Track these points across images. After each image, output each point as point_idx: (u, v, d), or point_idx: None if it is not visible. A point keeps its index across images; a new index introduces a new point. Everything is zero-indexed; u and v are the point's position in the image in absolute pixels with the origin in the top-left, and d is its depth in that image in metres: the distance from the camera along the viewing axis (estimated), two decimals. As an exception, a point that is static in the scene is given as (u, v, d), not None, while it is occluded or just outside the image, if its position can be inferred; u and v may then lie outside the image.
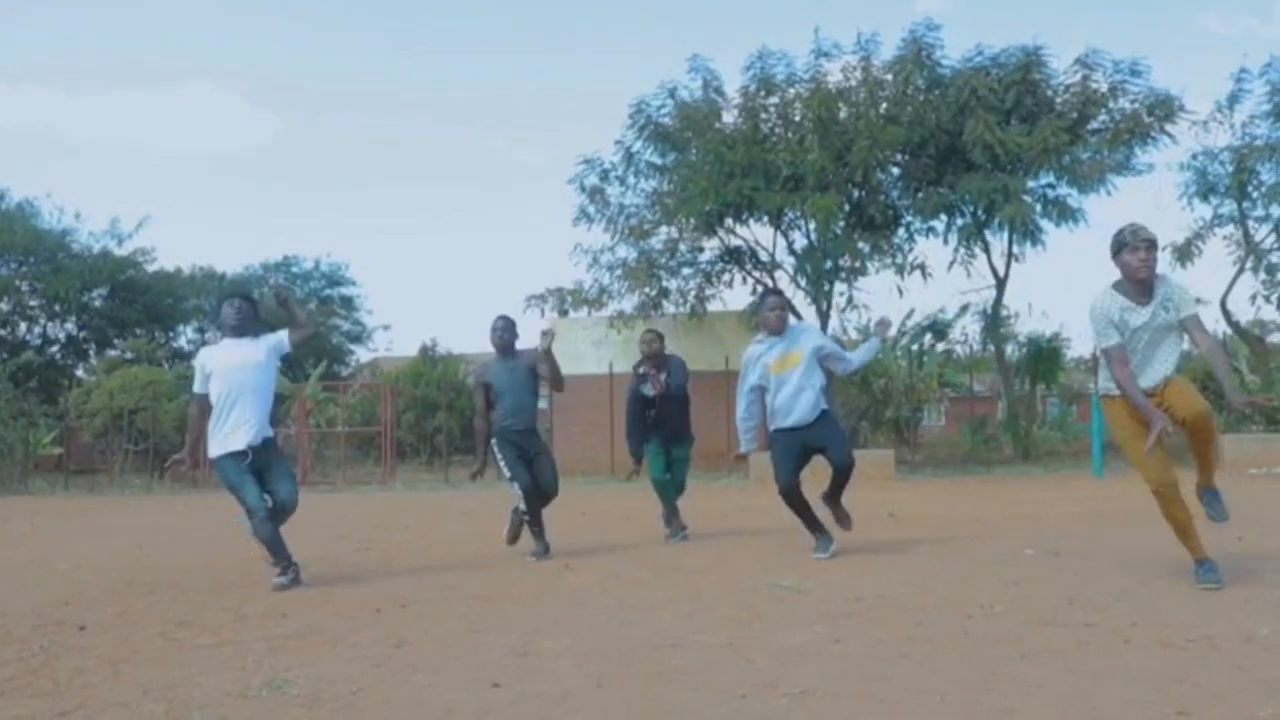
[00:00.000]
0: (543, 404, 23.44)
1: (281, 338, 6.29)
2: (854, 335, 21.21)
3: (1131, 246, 5.13)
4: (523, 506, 7.22)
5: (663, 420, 8.14)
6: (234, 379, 6.11)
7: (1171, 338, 5.26)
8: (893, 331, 22.52)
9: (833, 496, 6.94)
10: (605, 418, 16.40)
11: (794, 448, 6.75)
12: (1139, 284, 5.16)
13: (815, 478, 6.74)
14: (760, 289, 18.60)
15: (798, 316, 18.31)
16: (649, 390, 8.13)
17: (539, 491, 7.25)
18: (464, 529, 7.18)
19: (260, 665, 4.12)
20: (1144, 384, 5.19)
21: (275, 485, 6.18)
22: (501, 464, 7.24)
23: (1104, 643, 4.06)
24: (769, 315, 6.87)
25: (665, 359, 8.23)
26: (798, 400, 6.72)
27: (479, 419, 7.40)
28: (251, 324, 6.32)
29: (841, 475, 6.81)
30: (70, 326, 29.04)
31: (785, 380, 6.75)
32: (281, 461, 6.34)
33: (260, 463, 6.14)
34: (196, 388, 6.27)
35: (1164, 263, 17.69)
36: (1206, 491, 5.52)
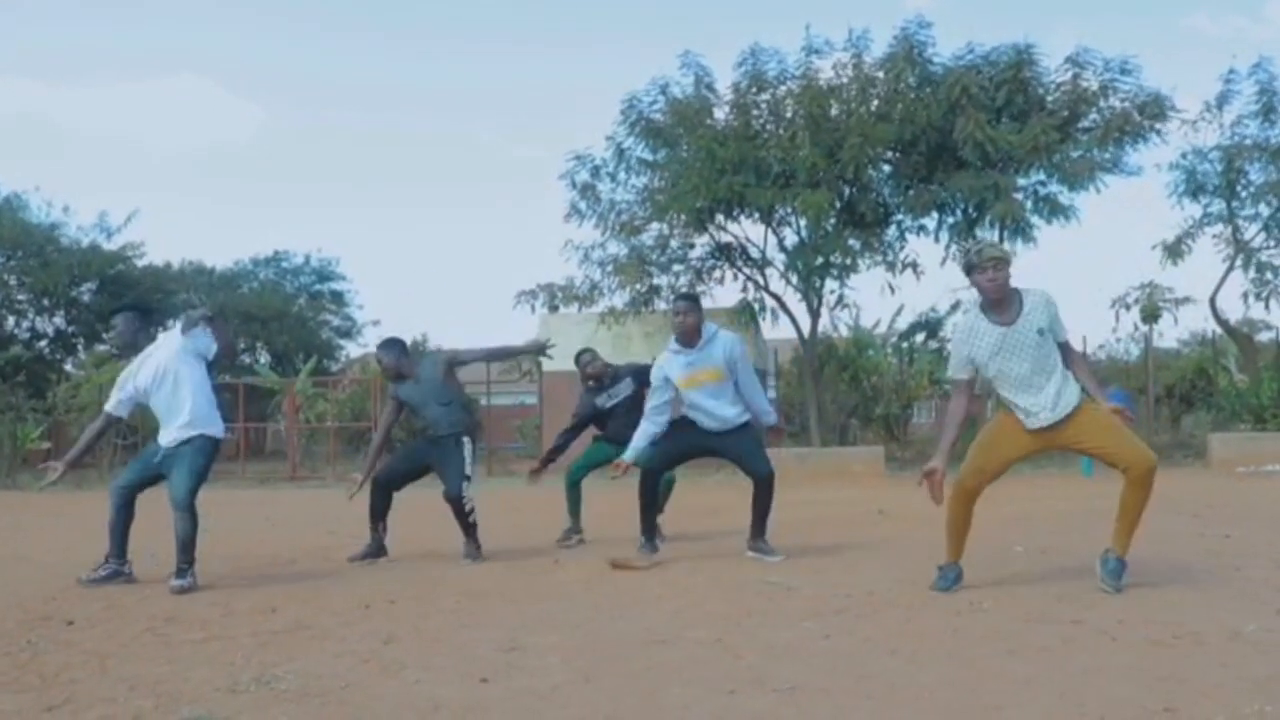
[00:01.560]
0: (531, 399, 23.10)
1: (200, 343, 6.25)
2: (844, 333, 21.27)
3: (979, 268, 5.02)
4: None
5: (621, 422, 7.83)
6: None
7: (1052, 361, 5.08)
8: (878, 325, 22.57)
9: (757, 525, 6.61)
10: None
11: (689, 441, 6.60)
12: (996, 304, 5.06)
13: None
14: (748, 286, 18.57)
15: (784, 310, 18.32)
16: (604, 401, 8.00)
17: (386, 484, 7.14)
18: (453, 525, 7.16)
19: (249, 660, 4.12)
20: (1037, 411, 5.07)
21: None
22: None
23: (1091, 640, 4.08)
24: (681, 321, 6.58)
25: (615, 373, 8.11)
26: (711, 407, 6.54)
27: (378, 433, 7.40)
28: (142, 336, 6.37)
29: (762, 489, 6.55)
30: (59, 321, 28.85)
31: (702, 393, 6.53)
32: (185, 459, 6.10)
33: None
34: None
35: (1153, 263, 17.79)
36: (1115, 559, 5.09)
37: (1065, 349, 5.16)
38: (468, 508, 7.02)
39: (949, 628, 4.39)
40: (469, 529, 7.06)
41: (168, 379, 6.12)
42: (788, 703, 3.33)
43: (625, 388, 8.03)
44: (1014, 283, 5.09)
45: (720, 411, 6.55)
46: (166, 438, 6.17)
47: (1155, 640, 4.02)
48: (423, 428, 7.20)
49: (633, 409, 7.83)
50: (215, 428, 6.23)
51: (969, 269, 5.09)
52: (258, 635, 4.63)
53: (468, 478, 7.05)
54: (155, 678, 3.86)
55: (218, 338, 6.24)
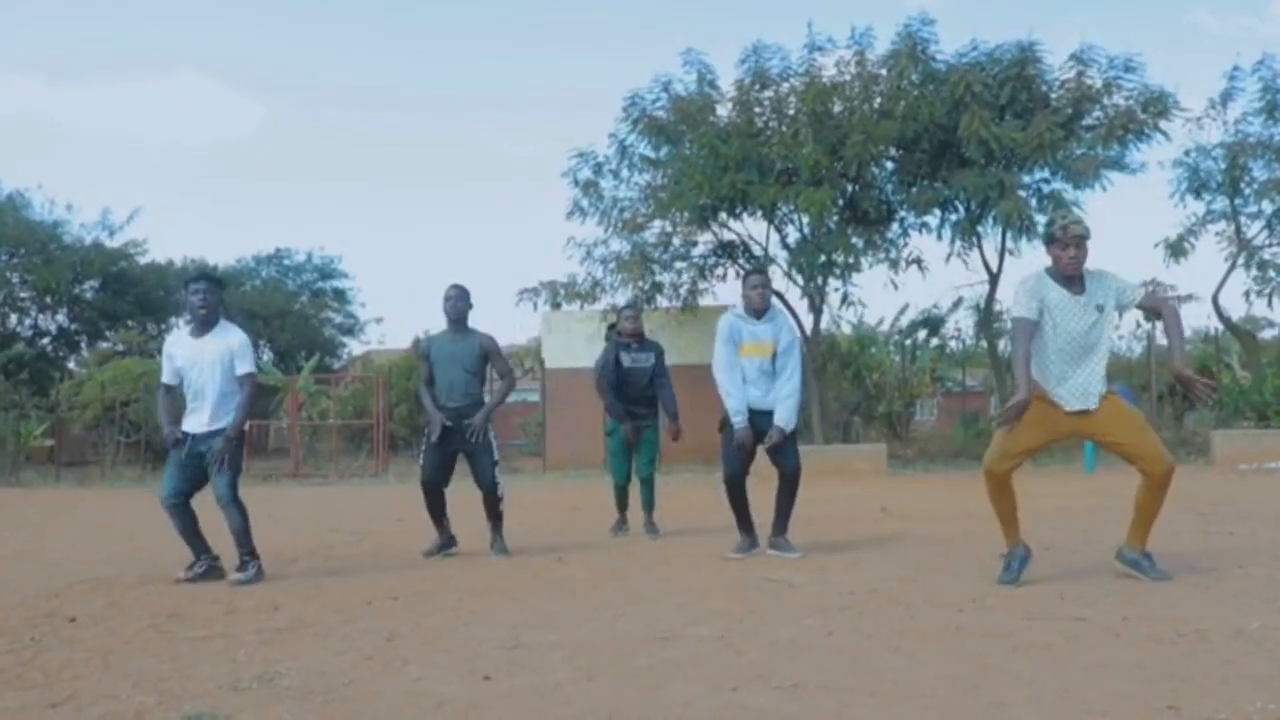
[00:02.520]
0: (534, 397, 22.96)
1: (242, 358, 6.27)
2: (847, 330, 21.26)
3: (1061, 243, 5.09)
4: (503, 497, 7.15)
5: (633, 392, 8.04)
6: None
7: (1101, 345, 5.20)
8: (880, 322, 22.56)
9: (779, 521, 6.67)
10: (598, 411, 16.30)
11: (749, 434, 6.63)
12: (1068, 279, 5.14)
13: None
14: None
15: (787, 308, 18.34)
16: (626, 360, 8.03)
17: (434, 485, 7.06)
18: (456, 522, 7.17)
19: (252, 657, 4.12)
20: (1068, 398, 5.18)
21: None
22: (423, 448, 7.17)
23: (1094, 637, 4.08)
24: (752, 294, 6.70)
25: (645, 340, 8.18)
26: (764, 385, 6.62)
27: (423, 391, 7.18)
28: (217, 312, 6.31)
29: (788, 483, 6.63)
30: (61, 318, 28.93)
31: (754, 364, 6.63)
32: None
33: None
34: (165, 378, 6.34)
35: (1155, 261, 17.80)
36: (1143, 554, 5.30)
37: (1155, 298, 5.26)
38: (500, 493, 7.09)
39: (952, 625, 4.39)
40: (497, 518, 7.11)
41: (218, 365, 6.15)
42: (790, 700, 3.32)
43: (647, 359, 8.10)
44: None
45: (765, 383, 6.63)
46: (194, 424, 6.17)
47: (1158, 638, 4.02)
48: (434, 396, 7.10)
49: (647, 382, 8.05)
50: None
51: (1050, 240, 5.16)
52: (260, 632, 4.63)
53: (497, 462, 7.10)
54: (158, 675, 3.86)
55: None
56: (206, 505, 6.19)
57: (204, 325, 6.24)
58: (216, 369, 6.15)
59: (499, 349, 7.25)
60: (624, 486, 8.21)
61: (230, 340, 6.23)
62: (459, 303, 7.10)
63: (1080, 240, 5.08)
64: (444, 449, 7.07)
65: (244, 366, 6.23)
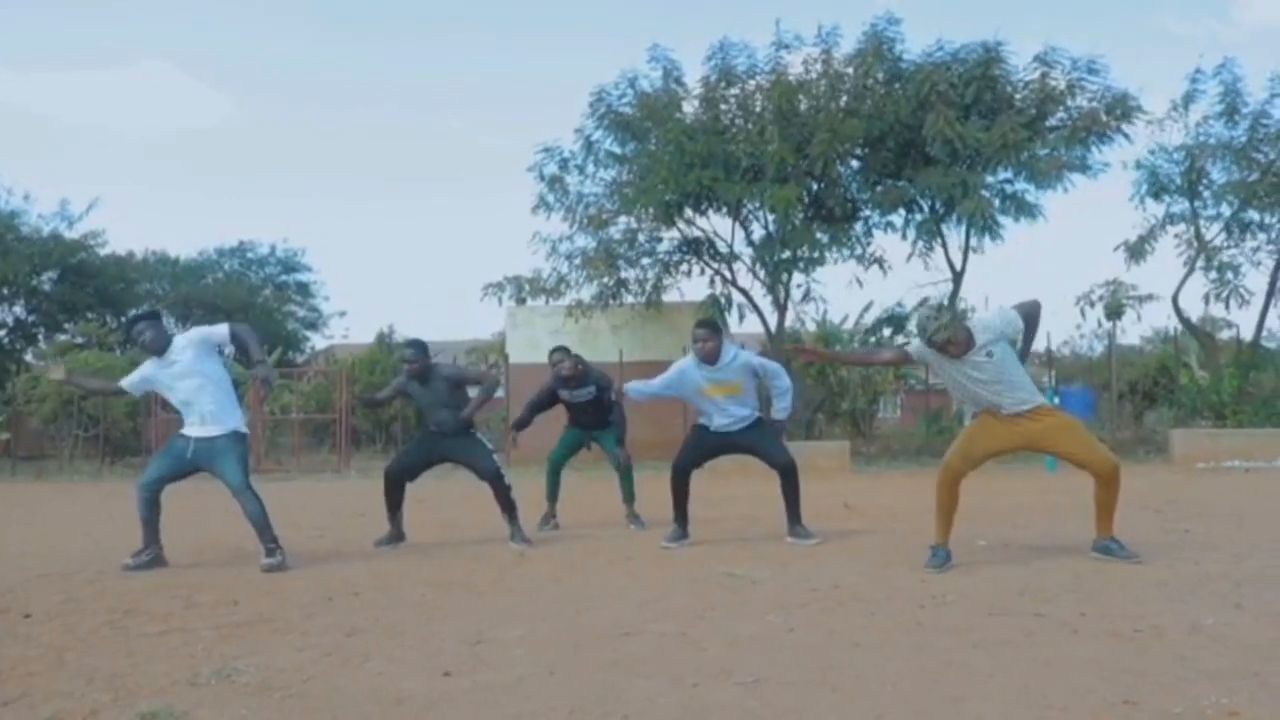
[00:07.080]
0: (500, 393, 22.99)
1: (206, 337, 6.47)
2: (811, 328, 21.33)
3: (939, 346, 5.59)
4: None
5: (585, 417, 8.37)
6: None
7: (1009, 371, 5.62)
8: (849, 323, 22.70)
9: (792, 513, 6.94)
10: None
11: (711, 443, 7.04)
12: (940, 350, 5.63)
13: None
14: (715, 281, 18.68)
15: (752, 305, 18.36)
16: (567, 396, 8.28)
17: (399, 477, 7.27)
18: (418, 517, 7.13)
19: (210, 653, 4.07)
20: (1010, 406, 5.66)
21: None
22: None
23: (1053, 633, 4.11)
24: (700, 348, 6.82)
25: (585, 374, 8.27)
26: (730, 414, 6.94)
27: (385, 393, 7.61)
28: (164, 339, 6.47)
29: (787, 479, 6.90)
30: (19, 310, 28.45)
31: (720, 402, 6.91)
32: (226, 453, 6.45)
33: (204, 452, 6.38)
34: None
35: (1117, 261, 18.01)
36: (1113, 541, 5.78)
37: (1025, 306, 5.73)
38: (507, 481, 7.16)
39: (913, 621, 4.41)
40: (510, 506, 7.17)
41: (192, 379, 6.35)
42: (751, 695, 3.33)
43: (587, 394, 8.28)
44: (974, 301, 5.74)
45: (734, 412, 6.95)
46: (193, 429, 6.38)
47: (1116, 633, 4.06)
48: (425, 422, 7.36)
49: (595, 408, 8.26)
50: (238, 422, 6.50)
51: (929, 345, 5.64)
52: (219, 628, 4.58)
53: (493, 451, 7.22)
54: (113, 671, 3.81)
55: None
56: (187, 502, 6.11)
57: (160, 353, 6.41)
58: (194, 379, 6.34)
59: (459, 370, 7.56)
60: (558, 468, 8.42)
61: (184, 346, 6.39)
62: (416, 364, 7.17)
63: (949, 341, 5.54)
64: (425, 452, 7.28)
65: (218, 334, 6.45)
